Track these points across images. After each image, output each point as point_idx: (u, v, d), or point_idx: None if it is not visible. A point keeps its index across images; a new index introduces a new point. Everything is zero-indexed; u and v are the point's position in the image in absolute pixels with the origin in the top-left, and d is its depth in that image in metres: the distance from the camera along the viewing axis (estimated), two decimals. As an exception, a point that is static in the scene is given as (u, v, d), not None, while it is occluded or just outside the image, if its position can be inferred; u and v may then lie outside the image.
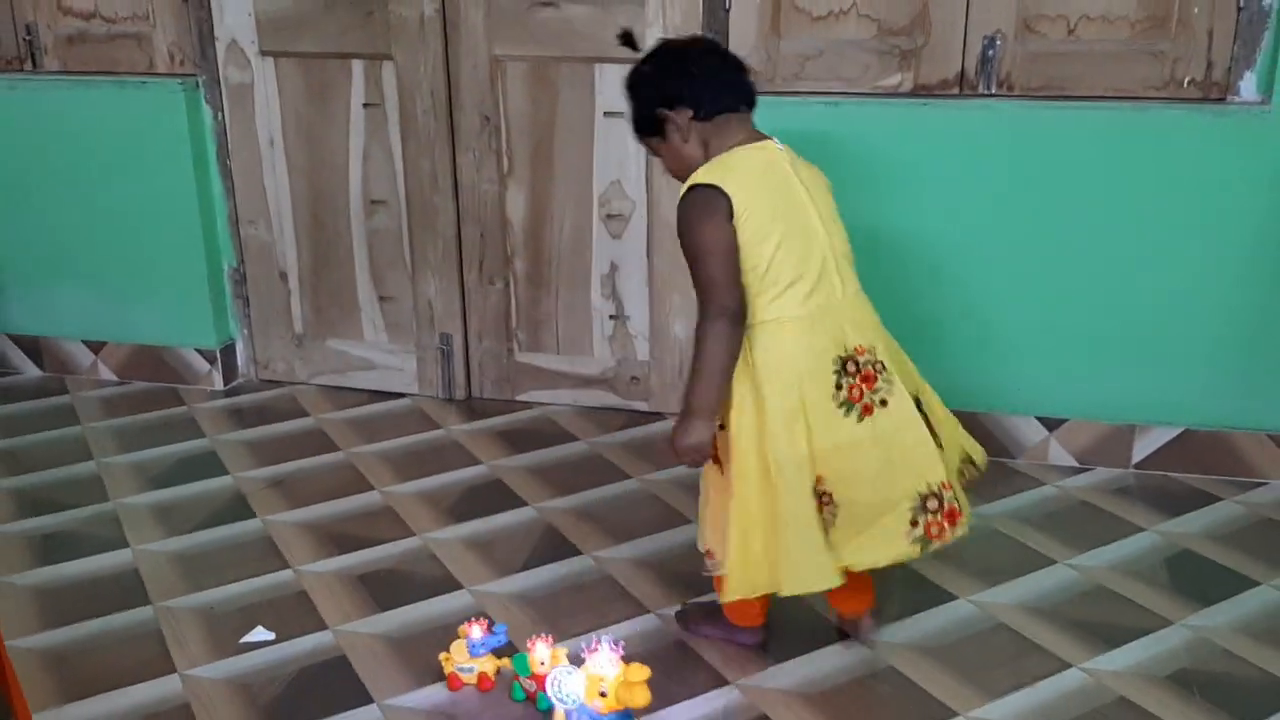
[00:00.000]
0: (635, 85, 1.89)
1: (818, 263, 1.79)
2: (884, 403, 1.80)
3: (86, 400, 3.16)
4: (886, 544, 1.82)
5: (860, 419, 1.78)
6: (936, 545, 1.84)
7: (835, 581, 1.81)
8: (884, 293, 2.65)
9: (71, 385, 3.25)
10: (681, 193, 1.80)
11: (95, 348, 3.27)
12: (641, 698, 1.70)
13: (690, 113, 1.82)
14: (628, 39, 1.95)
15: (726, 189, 1.74)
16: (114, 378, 3.28)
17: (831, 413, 1.77)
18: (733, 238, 1.74)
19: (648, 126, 1.88)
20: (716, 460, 1.86)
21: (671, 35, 2.66)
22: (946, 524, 1.83)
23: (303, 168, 3.05)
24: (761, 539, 1.79)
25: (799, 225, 1.79)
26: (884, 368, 1.82)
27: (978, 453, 2.01)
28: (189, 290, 3.15)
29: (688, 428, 1.78)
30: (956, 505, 1.85)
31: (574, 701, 1.75)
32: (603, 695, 1.72)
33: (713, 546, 1.89)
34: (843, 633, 2.04)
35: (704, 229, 1.75)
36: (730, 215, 1.74)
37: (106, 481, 2.67)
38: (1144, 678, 1.92)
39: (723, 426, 1.82)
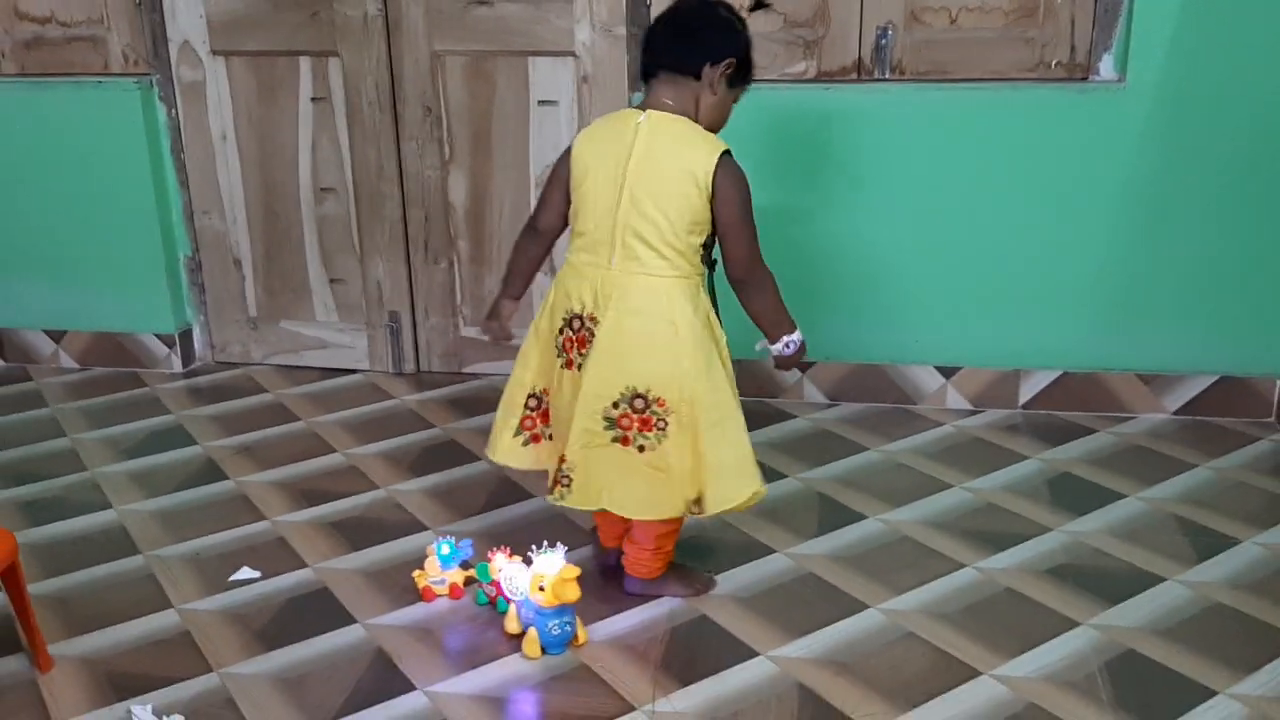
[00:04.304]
0: (730, 26, 1.95)
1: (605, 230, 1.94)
2: (579, 366, 1.99)
3: (51, 385, 3.31)
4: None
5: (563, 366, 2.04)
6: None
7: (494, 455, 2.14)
8: (796, 259, 2.95)
9: (34, 373, 3.40)
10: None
11: (56, 337, 3.42)
12: (572, 593, 1.93)
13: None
14: (760, 3, 2.09)
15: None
16: (75, 365, 3.44)
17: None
18: None
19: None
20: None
21: (599, 29, 2.94)
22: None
23: (254, 159, 3.25)
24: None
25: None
26: (592, 335, 1.96)
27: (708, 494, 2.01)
28: (147, 279, 3.32)
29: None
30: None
31: (521, 595, 1.99)
32: (541, 590, 1.95)
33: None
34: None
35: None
36: None
37: (81, 454, 2.84)
38: (1027, 572, 2.23)
39: None
